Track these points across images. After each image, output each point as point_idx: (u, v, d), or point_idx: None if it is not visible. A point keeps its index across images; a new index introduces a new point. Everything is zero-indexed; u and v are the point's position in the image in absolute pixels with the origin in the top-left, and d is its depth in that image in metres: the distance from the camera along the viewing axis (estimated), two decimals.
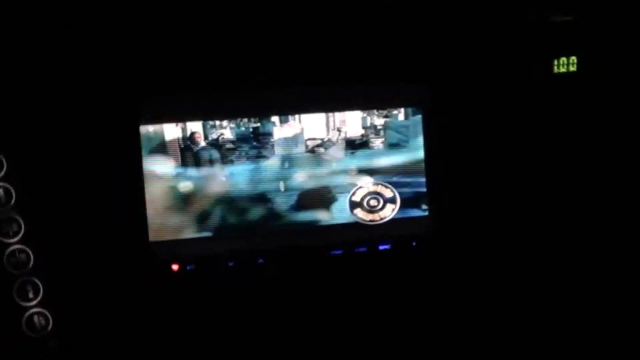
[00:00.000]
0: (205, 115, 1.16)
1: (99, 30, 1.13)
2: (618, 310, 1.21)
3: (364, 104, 1.18)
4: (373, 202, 1.20)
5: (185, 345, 1.18)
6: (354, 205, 1.20)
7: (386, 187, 1.20)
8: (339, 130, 1.19)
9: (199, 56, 1.16)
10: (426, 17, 1.15)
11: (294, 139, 1.18)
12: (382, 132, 1.19)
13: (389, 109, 1.18)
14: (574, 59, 1.12)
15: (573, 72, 1.12)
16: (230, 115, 1.16)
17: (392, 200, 1.20)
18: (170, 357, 1.18)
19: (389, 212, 1.21)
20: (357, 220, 1.20)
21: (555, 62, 1.12)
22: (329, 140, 1.19)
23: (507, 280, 1.23)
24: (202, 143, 1.16)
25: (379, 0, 1.14)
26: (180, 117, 1.16)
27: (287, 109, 1.17)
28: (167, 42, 1.15)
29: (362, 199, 1.20)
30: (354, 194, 1.20)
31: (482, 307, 1.23)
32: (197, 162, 1.16)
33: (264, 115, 1.17)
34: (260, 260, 1.19)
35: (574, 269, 1.24)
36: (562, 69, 1.12)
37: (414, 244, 1.21)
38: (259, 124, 1.17)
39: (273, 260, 1.19)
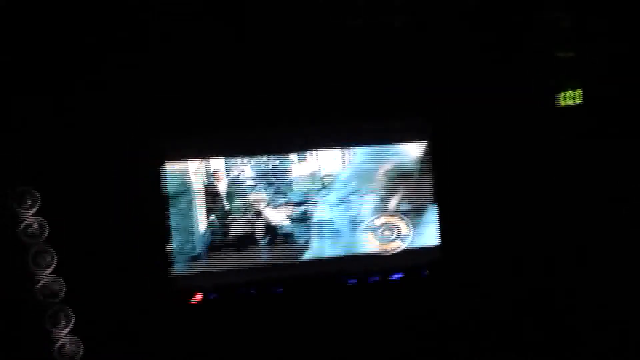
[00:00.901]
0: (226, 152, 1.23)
1: (128, 73, 1.20)
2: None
3: (375, 140, 1.23)
4: (387, 233, 1.25)
5: None
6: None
7: (402, 219, 1.25)
8: None
9: (219, 97, 1.23)
10: (433, 53, 1.20)
11: (312, 176, 1.24)
12: None
13: (396, 143, 1.23)
14: (579, 92, 1.16)
15: (579, 103, 1.16)
16: (249, 152, 1.22)
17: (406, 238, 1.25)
18: None
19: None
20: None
21: (562, 95, 1.16)
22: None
23: (513, 306, 1.25)
24: (224, 180, 1.22)
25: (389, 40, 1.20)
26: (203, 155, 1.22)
27: (301, 146, 1.23)
28: (189, 85, 1.22)
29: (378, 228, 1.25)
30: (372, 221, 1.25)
31: (487, 330, 1.25)
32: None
33: (282, 151, 1.23)
34: (280, 290, 1.23)
35: (581, 298, 1.25)
36: (569, 102, 1.16)
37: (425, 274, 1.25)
38: (277, 161, 1.23)
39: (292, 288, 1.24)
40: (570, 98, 1.16)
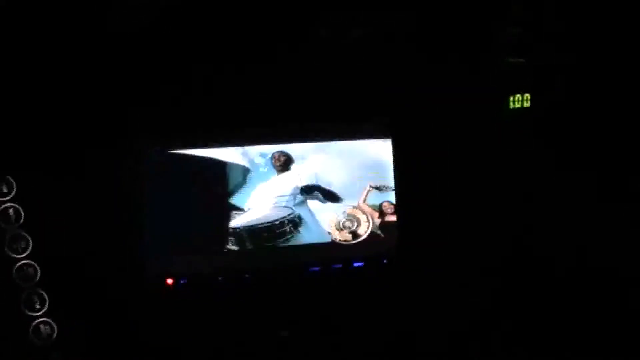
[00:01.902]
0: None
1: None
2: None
3: (342, 136, 1.32)
4: (348, 224, 1.34)
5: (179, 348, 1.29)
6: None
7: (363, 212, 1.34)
8: None
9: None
10: (394, 59, 1.29)
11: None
12: None
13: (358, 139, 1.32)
14: (527, 96, 1.25)
15: (527, 107, 1.25)
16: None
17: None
18: None
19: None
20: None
21: (511, 99, 1.26)
22: None
23: (470, 294, 1.35)
24: None
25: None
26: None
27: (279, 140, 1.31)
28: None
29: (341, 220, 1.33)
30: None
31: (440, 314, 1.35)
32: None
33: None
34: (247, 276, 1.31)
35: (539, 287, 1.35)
36: (517, 105, 1.25)
37: (385, 261, 1.34)
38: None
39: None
40: (519, 101, 1.25)
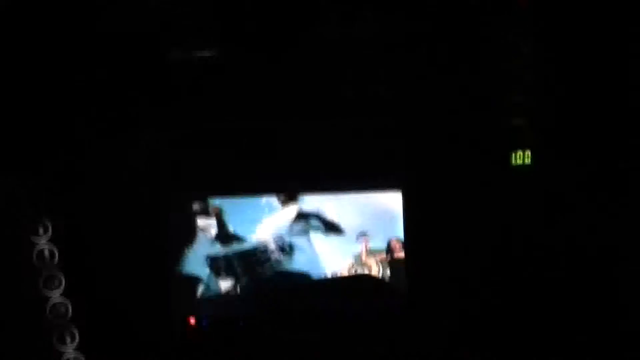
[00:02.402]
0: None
1: None
2: None
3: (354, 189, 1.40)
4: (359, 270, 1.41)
5: None
6: None
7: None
8: None
9: None
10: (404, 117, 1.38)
11: None
12: None
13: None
14: (528, 152, 1.33)
15: (528, 164, 1.34)
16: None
17: None
18: None
19: None
20: None
21: (514, 155, 1.34)
22: None
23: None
24: None
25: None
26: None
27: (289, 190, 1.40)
28: None
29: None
30: None
31: None
32: None
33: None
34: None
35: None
36: (519, 162, 1.33)
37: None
38: None
39: None
40: (520, 158, 1.33)
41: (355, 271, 1.40)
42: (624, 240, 1.30)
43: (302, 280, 1.38)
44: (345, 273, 1.40)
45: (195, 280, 1.39)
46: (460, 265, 1.37)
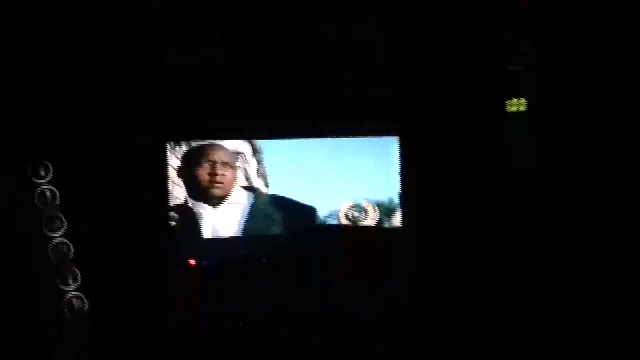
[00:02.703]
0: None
1: None
2: None
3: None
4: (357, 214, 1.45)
5: None
6: None
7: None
8: None
9: None
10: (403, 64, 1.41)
11: None
12: None
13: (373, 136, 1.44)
14: (523, 100, 1.37)
15: (523, 111, 1.37)
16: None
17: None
18: None
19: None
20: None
21: (509, 103, 1.38)
22: None
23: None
24: None
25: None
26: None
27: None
28: None
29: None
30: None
31: None
32: None
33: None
34: None
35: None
36: (514, 109, 1.37)
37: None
38: None
39: None
40: (516, 105, 1.37)
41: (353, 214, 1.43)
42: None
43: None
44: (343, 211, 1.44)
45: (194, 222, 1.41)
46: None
